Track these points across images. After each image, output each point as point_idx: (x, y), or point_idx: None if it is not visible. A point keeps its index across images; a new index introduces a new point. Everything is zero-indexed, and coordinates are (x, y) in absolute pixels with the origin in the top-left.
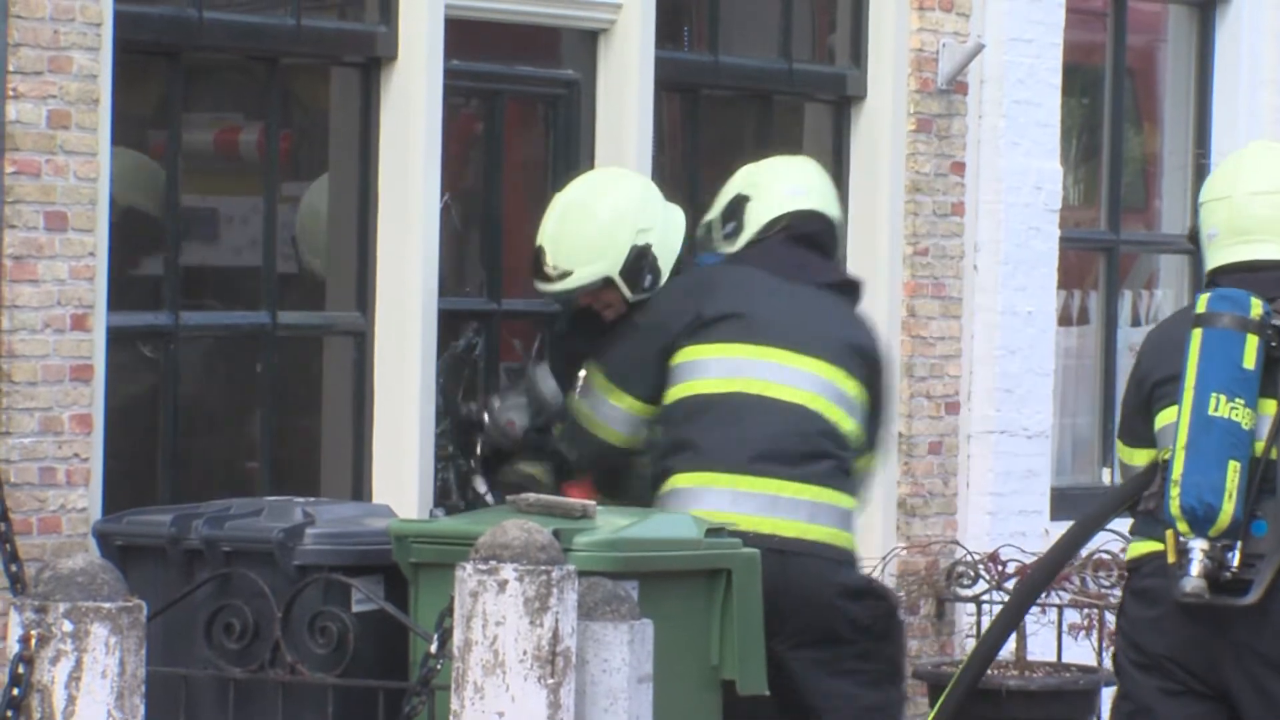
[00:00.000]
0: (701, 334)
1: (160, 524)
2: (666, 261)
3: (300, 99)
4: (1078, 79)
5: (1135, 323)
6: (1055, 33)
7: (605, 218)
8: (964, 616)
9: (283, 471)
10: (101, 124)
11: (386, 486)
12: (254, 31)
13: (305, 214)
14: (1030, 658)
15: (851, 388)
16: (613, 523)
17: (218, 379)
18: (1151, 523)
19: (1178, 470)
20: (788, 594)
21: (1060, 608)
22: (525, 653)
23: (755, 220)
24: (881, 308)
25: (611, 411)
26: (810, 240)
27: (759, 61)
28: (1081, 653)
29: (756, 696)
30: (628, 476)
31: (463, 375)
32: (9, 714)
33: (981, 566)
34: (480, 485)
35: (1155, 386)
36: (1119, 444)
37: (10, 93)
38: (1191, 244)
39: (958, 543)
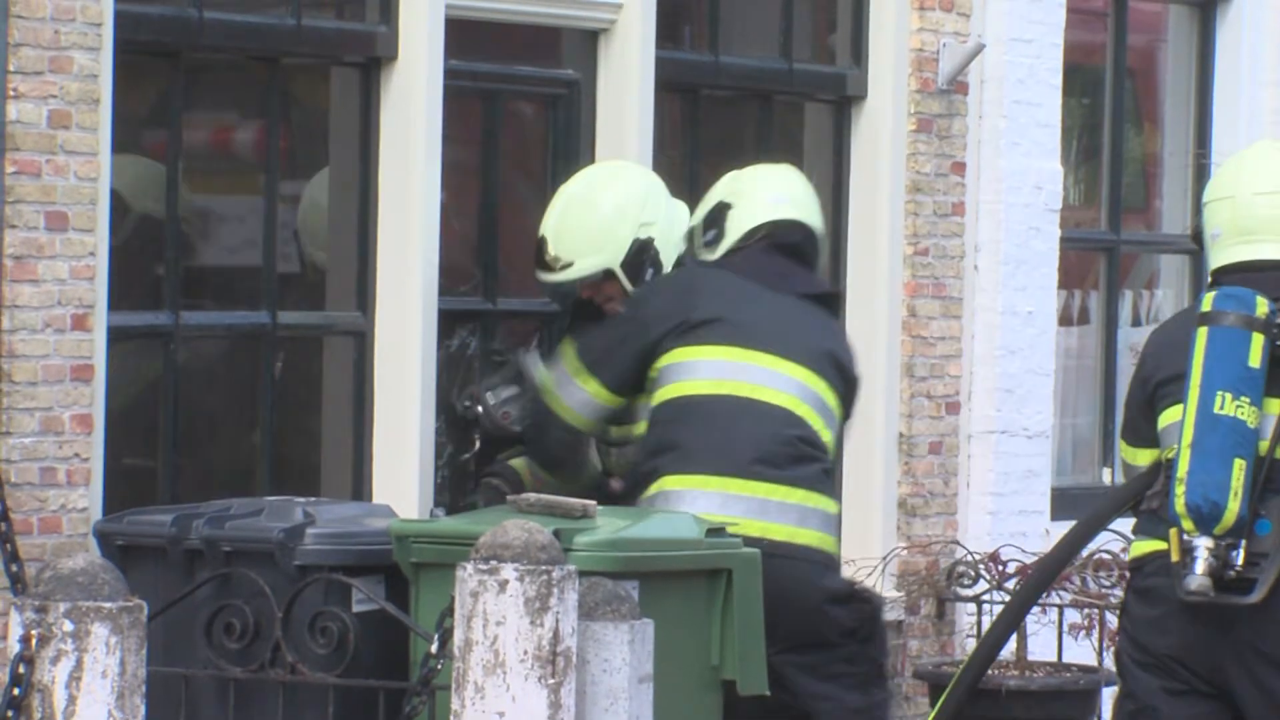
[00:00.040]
0: (690, 336)
1: (161, 524)
2: (669, 256)
3: (300, 99)
4: (1078, 79)
5: (1136, 323)
6: (1056, 33)
7: (608, 210)
8: (964, 616)
9: (283, 471)
10: (102, 124)
11: (387, 486)
12: (254, 31)
13: (307, 207)
14: (1031, 658)
15: (830, 398)
16: (613, 523)
17: (218, 379)
18: (1155, 522)
19: (1183, 468)
20: (776, 598)
21: (1061, 608)
22: (526, 653)
23: (736, 228)
24: (882, 308)
25: (575, 392)
26: (791, 250)
27: (759, 61)
28: (1082, 653)
29: (748, 698)
30: (576, 463)
31: (458, 375)
32: (9, 714)
33: (982, 566)
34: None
35: (1159, 386)
36: (1122, 444)
37: (11, 92)
38: (1195, 243)
39: (958, 543)
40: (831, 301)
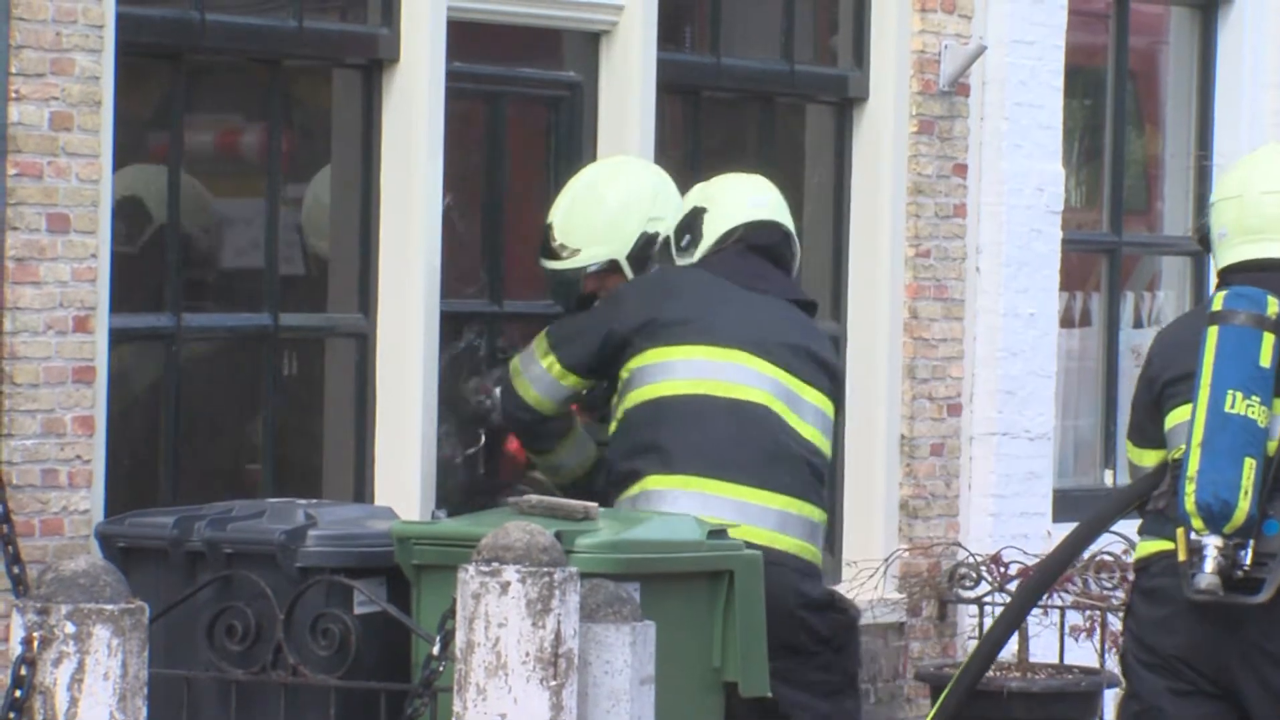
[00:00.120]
0: (661, 336)
1: (162, 526)
2: None
3: (302, 101)
4: (1080, 81)
5: (1137, 324)
6: (1057, 35)
7: (616, 201)
8: (966, 618)
9: (285, 473)
10: (104, 126)
11: (388, 488)
12: (256, 34)
13: (310, 205)
14: (1032, 659)
15: (809, 393)
16: (615, 525)
17: (220, 381)
18: (1161, 522)
19: (1193, 467)
20: None
21: (1062, 609)
22: (527, 654)
23: (712, 231)
24: (883, 309)
25: (534, 369)
26: (767, 251)
27: (761, 63)
28: (1083, 654)
29: (739, 700)
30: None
31: (466, 375)
32: (11, 716)
33: (984, 568)
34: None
35: (1165, 386)
36: (1128, 445)
37: (12, 95)
38: (1200, 244)
39: (960, 544)
40: (809, 308)
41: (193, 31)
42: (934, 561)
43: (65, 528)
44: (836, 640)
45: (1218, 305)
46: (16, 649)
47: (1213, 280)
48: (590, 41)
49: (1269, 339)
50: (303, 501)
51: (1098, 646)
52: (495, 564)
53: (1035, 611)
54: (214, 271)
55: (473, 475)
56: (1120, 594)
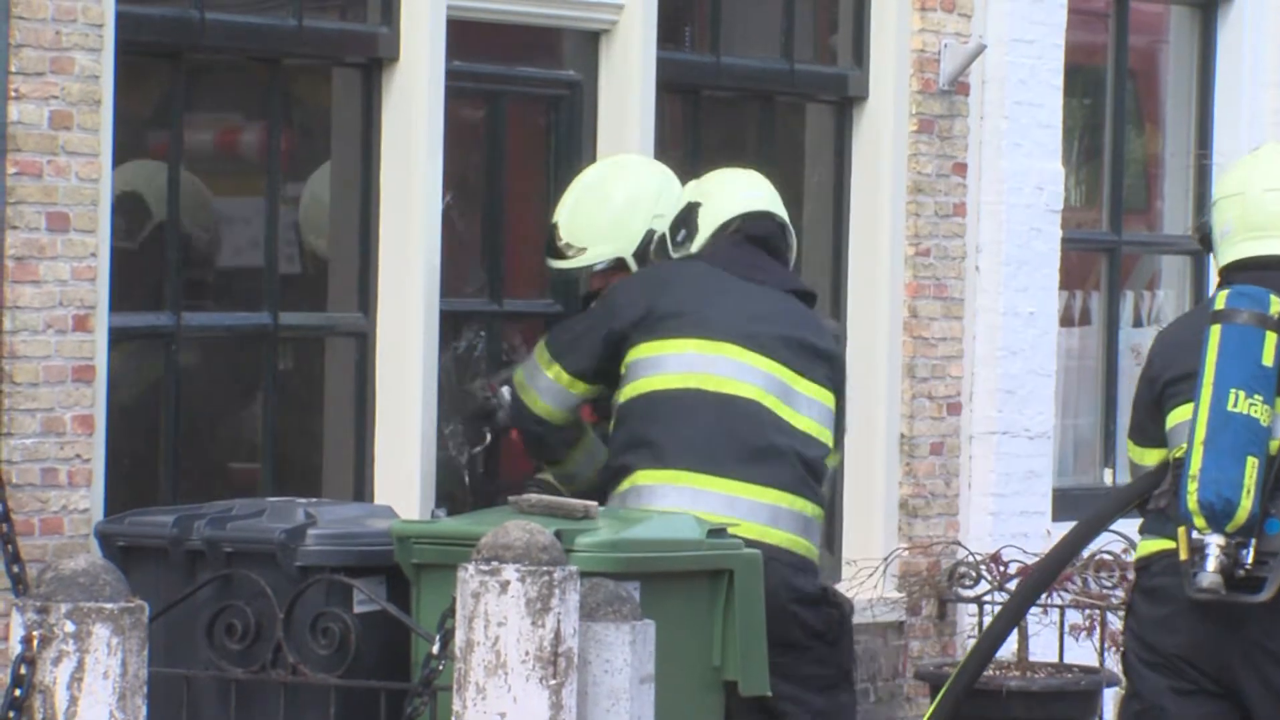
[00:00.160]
0: (656, 330)
1: (162, 525)
2: None
3: (302, 100)
4: (1079, 80)
5: (1137, 324)
6: (1057, 34)
7: (622, 199)
8: (966, 617)
9: (285, 472)
10: (103, 125)
11: (388, 487)
12: (256, 32)
13: (308, 203)
14: (1032, 658)
15: (806, 387)
16: (614, 524)
17: (220, 380)
18: (1162, 521)
19: (1195, 465)
20: None
21: (1062, 608)
22: (527, 653)
23: (708, 224)
24: (883, 308)
25: (540, 380)
26: (763, 243)
27: (760, 62)
28: (1083, 653)
29: (736, 699)
30: (558, 454)
31: (468, 375)
32: (11, 715)
33: (983, 567)
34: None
35: (1167, 385)
36: (1130, 444)
37: (12, 94)
38: (1200, 244)
39: (959, 543)
40: (807, 299)
41: (192, 30)
42: (933, 560)
43: (65, 527)
44: (830, 635)
45: (1220, 304)
46: (16, 648)
47: (1213, 279)
48: (590, 40)
49: (1271, 338)
50: (302, 500)
51: (1097, 645)
52: (495, 563)
53: (1035, 610)
54: (214, 270)
55: (479, 474)
56: (1120, 593)
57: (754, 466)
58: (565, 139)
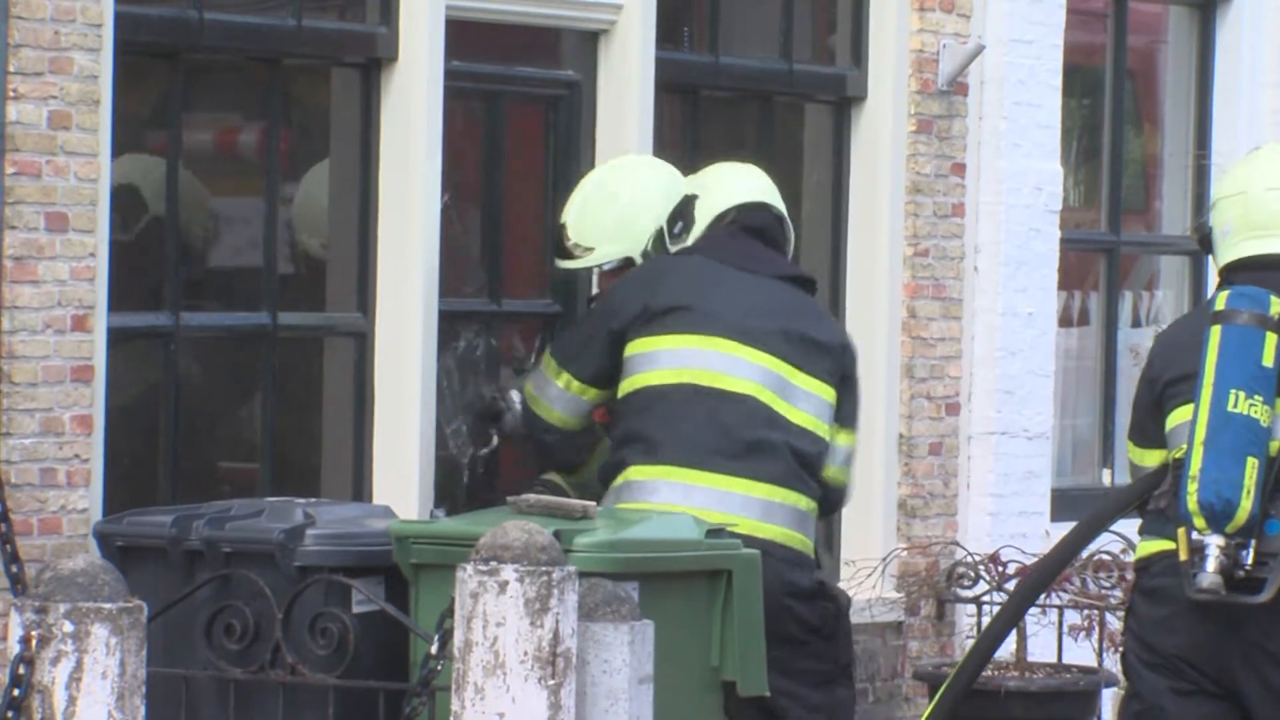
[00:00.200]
0: (651, 325)
1: (161, 525)
2: None
3: (301, 100)
4: (1078, 80)
5: (1135, 324)
6: (1056, 34)
7: (629, 199)
8: (964, 618)
9: (283, 472)
10: (102, 125)
11: (387, 487)
12: (254, 32)
13: (300, 202)
14: (1030, 658)
15: (803, 380)
16: (613, 524)
17: (219, 380)
18: (1161, 522)
19: (1195, 466)
20: None
21: (1060, 609)
22: (526, 654)
23: (705, 215)
24: (882, 309)
25: (551, 390)
26: (759, 233)
27: (759, 62)
28: (1081, 654)
29: (733, 698)
30: (576, 461)
31: (469, 376)
32: (10, 714)
33: (982, 568)
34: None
35: (1167, 386)
36: (1130, 446)
37: (11, 93)
38: (1199, 245)
39: (958, 544)
40: (806, 284)
41: (191, 30)
42: (932, 561)
43: (63, 527)
44: (826, 629)
45: (1220, 305)
46: (15, 648)
47: (1212, 279)
48: (589, 40)
49: (1271, 339)
50: (301, 500)
51: (1096, 646)
52: (493, 563)
53: (1033, 610)
54: (213, 270)
55: (478, 475)
56: (1118, 593)
57: (745, 461)
58: (564, 139)
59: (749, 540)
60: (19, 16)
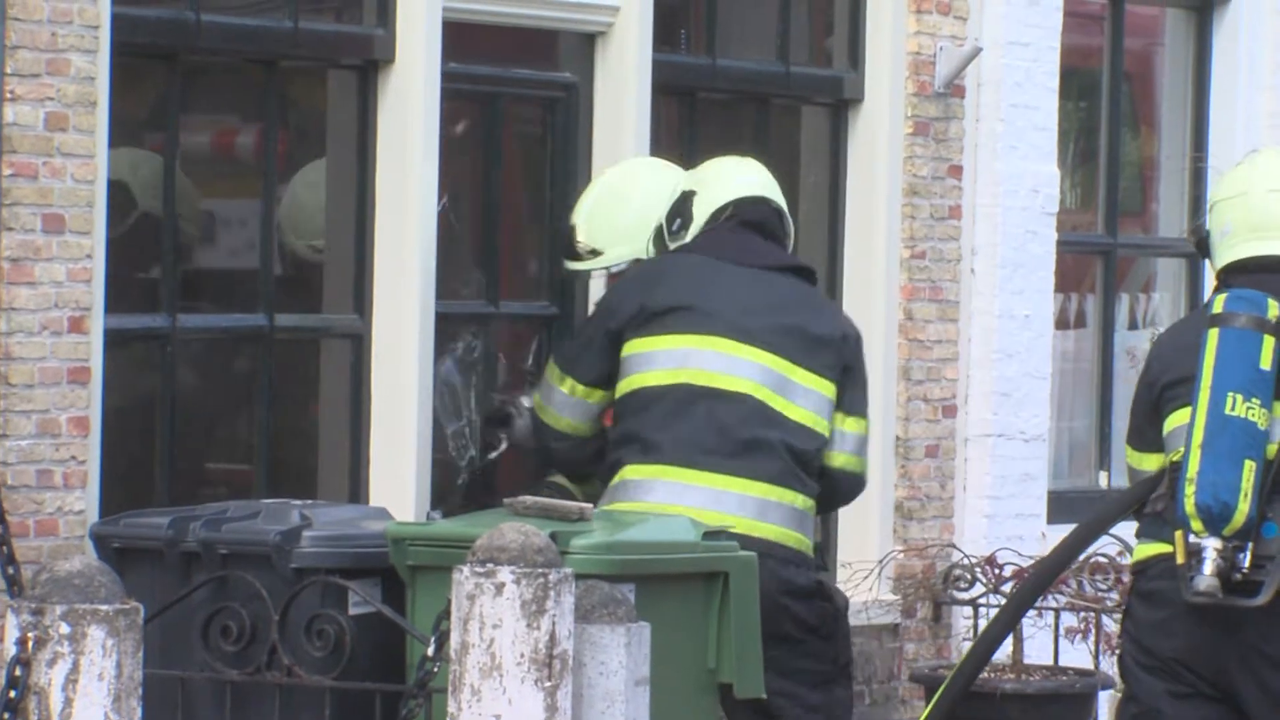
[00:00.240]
0: (649, 326)
1: (157, 526)
2: None
3: (298, 101)
4: (1075, 83)
5: (1132, 326)
6: (1053, 36)
7: (639, 201)
8: (961, 620)
9: (280, 474)
10: (99, 126)
11: (384, 489)
12: (252, 34)
13: (289, 203)
14: (1027, 661)
15: (803, 376)
16: (610, 526)
17: (215, 381)
18: (1159, 525)
19: (1193, 469)
20: None
21: (1057, 611)
22: (522, 655)
23: (703, 210)
24: (878, 311)
25: (556, 396)
26: (759, 228)
27: (756, 64)
28: (1078, 656)
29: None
30: (587, 467)
31: (469, 377)
32: (6, 716)
33: (978, 570)
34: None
35: (1165, 389)
36: (1128, 449)
37: (8, 95)
38: (1196, 248)
39: (955, 546)
40: (806, 274)
41: (188, 32)
42: (929, 563)
43: (60, 528)
44: (824, 629)
45: (1218, 308)
46: (11, 649)
47: (1209, 282)
48: (586, 42)
49: (1269, 342)
50: (298, 502)
51: (1092, 648)
52: (490, 565)
53: (1030, 613)
54: (209, 272)
55: (477, 476)
56: (1115, 596)
57: (740, 460)
58: (561, 141)
59: (745, 540)
60: (16, 18)
